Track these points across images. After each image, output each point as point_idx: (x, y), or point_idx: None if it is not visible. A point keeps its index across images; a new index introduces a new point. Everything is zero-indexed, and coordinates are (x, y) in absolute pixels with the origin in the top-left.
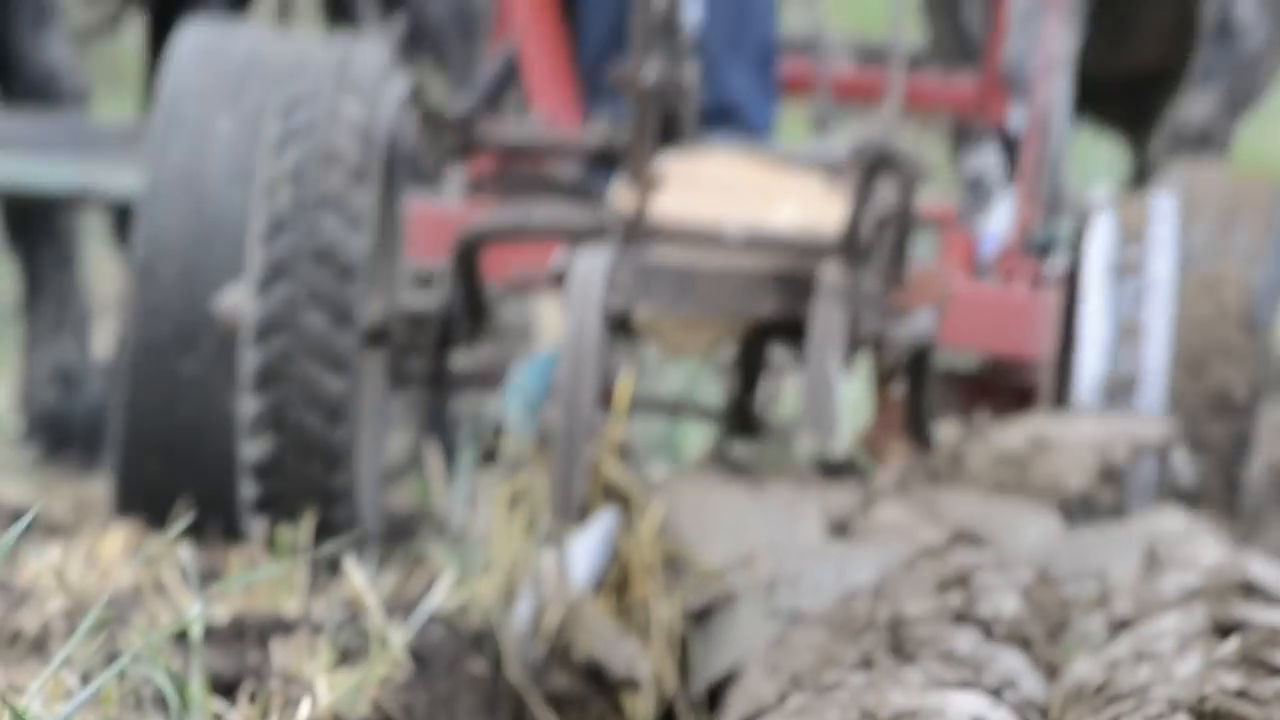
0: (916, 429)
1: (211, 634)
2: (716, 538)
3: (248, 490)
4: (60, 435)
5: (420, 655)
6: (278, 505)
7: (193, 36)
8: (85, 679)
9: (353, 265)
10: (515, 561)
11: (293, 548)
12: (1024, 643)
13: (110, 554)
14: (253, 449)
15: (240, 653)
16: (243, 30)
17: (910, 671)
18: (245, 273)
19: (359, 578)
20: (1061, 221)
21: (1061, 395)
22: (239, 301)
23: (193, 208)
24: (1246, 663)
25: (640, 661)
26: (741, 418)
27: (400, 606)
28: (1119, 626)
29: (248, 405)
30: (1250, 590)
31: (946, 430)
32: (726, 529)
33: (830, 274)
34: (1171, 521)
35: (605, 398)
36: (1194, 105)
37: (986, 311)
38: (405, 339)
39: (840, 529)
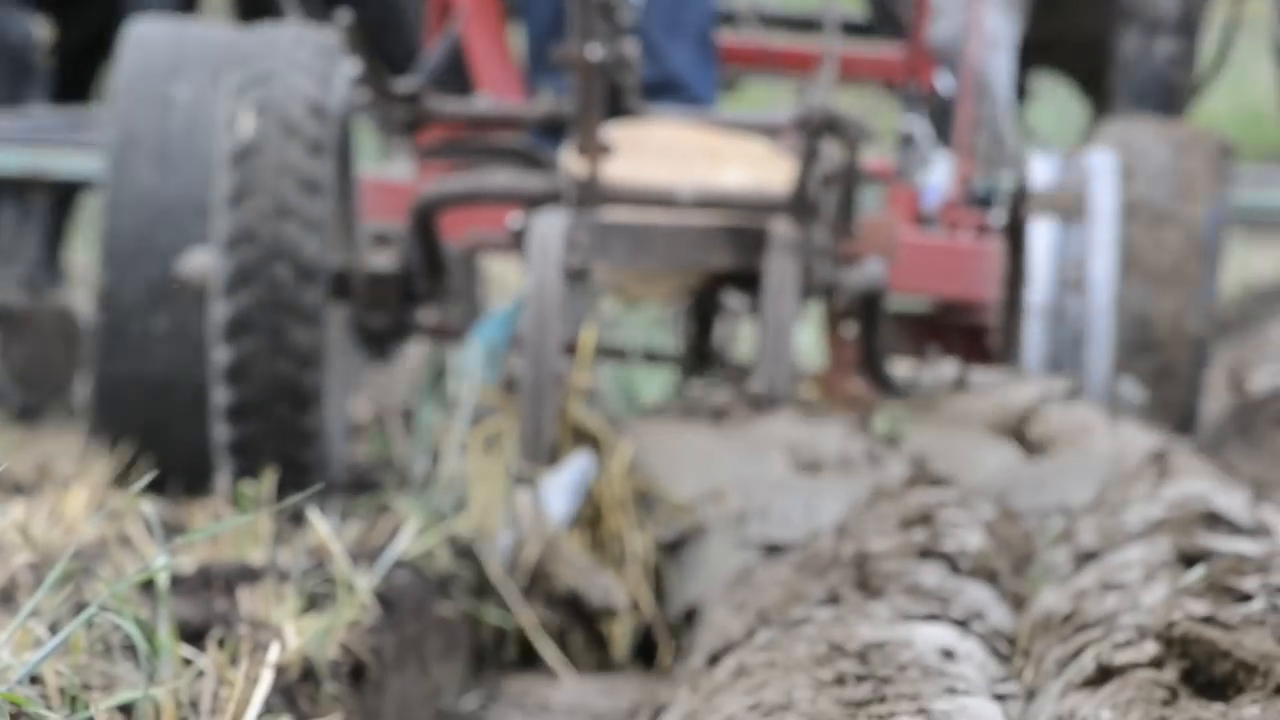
0: (871, 368)
1: (178, 583)
2: (685, 474)
3: (221, 434)
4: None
5: (387, 600)
6: (250, 449)
7: (149, 26)
8: (53, 629)
9: (314, 223)
10: (490, 502)
11: (256, 500)
12: (990, 576)
13: (74, 509)
14: (225, 395)
15: (207, 601)
16: (199, 23)
17: (877, 605)
18: (211, 236)
19: (324, 526)
20: (1004, 176)
21: (1011, 335)
22: (204, 263)
23: (154, 173)
24: (1213, 589)
25: (616, 591)
26: (699, 358)
27: (365, 554)
28: (1084, 558)
29: (220, 355)
30: (1214, 520)
31: (898, 369)
32: (695, 465)
33: (781, 228)
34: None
35: (569, 348)
36: (1155, 55)
37: (934, 258)
38: (368, 294)
39: (807, 465)
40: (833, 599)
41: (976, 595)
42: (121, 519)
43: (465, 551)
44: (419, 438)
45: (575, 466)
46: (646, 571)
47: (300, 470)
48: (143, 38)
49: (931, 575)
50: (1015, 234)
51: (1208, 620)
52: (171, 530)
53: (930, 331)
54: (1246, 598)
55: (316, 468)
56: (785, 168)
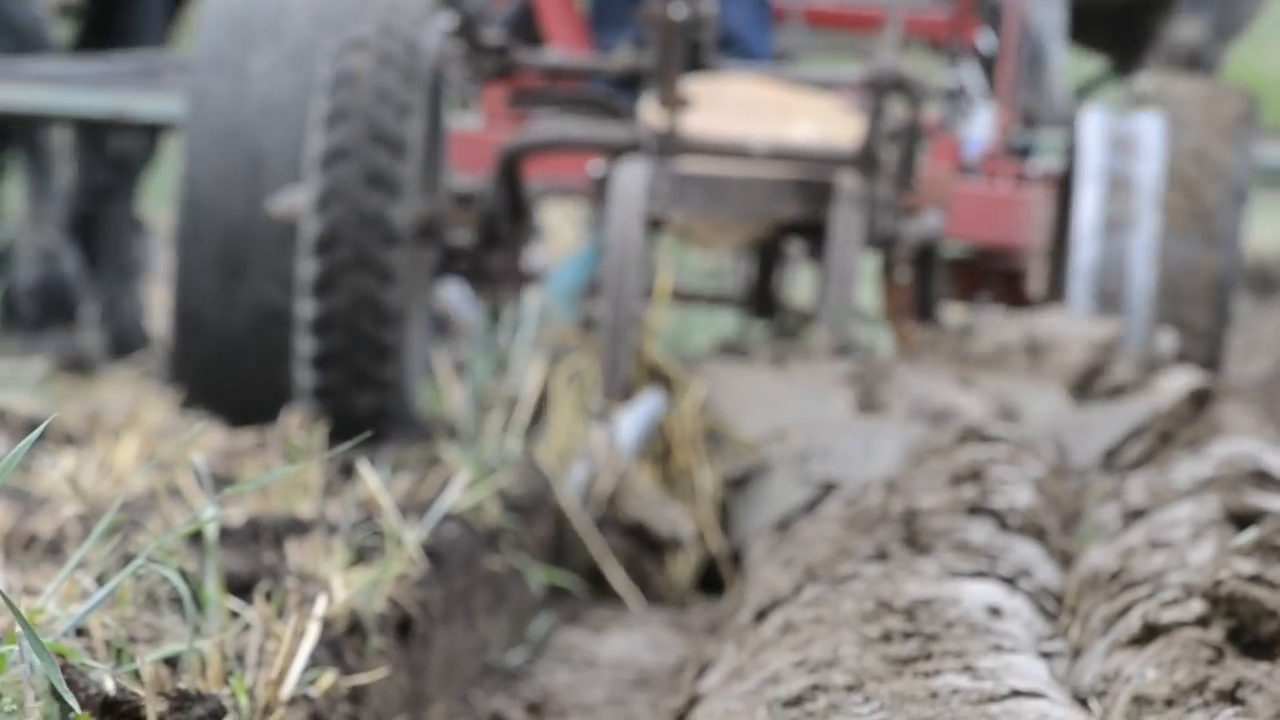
0: (925, 312)
1: (226, 535)
2: (752, 414)
3: (306, 347)
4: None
5: (435, 553)
6: (338, 361)
7: None
8: (100, 581)
9: (403, 146)
10: (568, 435)
11: (307, 450)
12: (1038, 533)
13: (124, 461)
14: (311, 307)
15: (255, 553)
16: None
17: (925, 562)
18: (303, 168)
19: (373, 479)
20: (1048, 132)
21: (1056, 281)
22: (295, 199)
23: (230, 136)
24: (1261, 549)
25: (683, 523)
26: (763, 302)
27: (414, 507)
28: (1133, 516)
29: (307, 268)
30: (1263, 479)
31: (948, 313)
32: (761, 406)
33: (848, 182)
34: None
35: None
36: (1185, 28)
37: (975, 206)
38: (452, 232)
39: (867, 405)
40: (881, 555)
41: (1024, 553)
42: (172, 470)
43: (515, 506)
44: (470, 390)
45: (648, 404)
46: (714, 506)
47: (378, 417)
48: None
49: (980, 532)
50: (1065, 186)
51: (1255, 579)
52: (221, 481)
53: (971, 276)
54: None
55: (396, 415)
56: (852, 124)
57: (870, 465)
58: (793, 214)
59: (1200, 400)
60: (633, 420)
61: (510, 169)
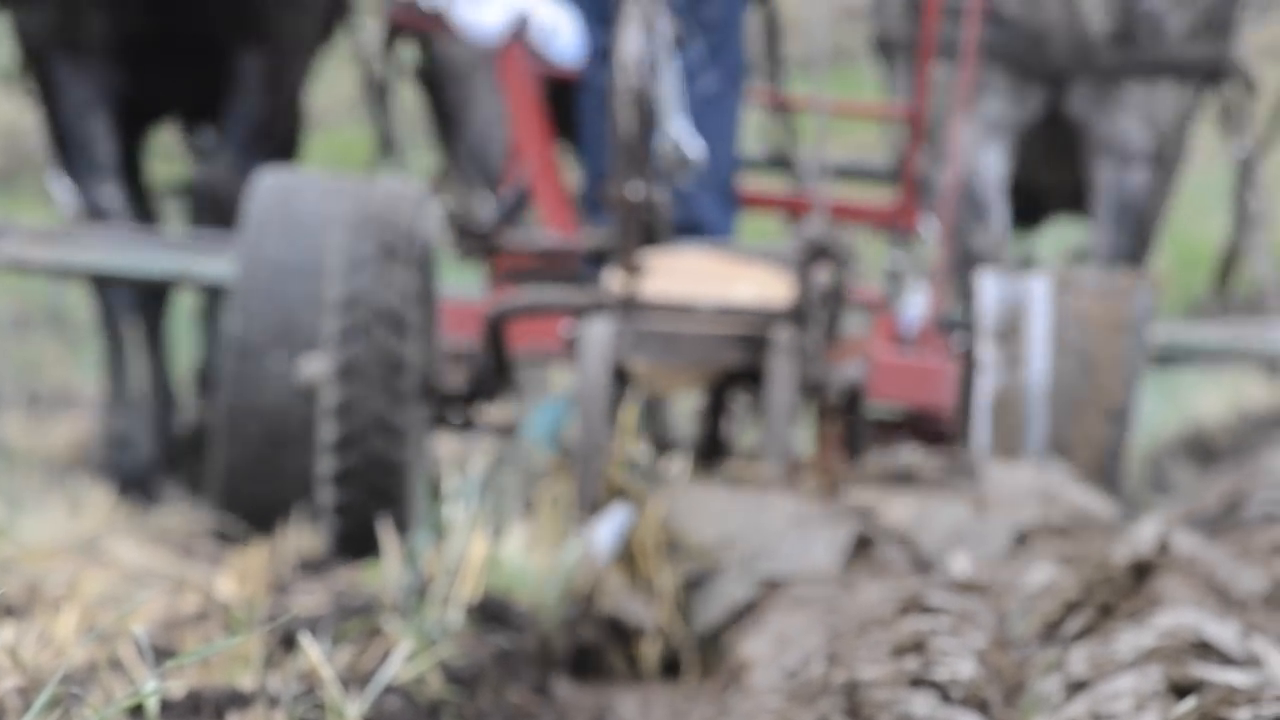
0: (853, 452)
1: (168, 708)
2: (705, 525)
3: (325, 497)
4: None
5: None
6: (350, 509)
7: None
8: None
9: (406, 327)
10: (553, 543)
11: (248, 621)
12: (981, 705)
13: (64, 632)
14: (330, 464)
15: None
16: (310, 174)
17: None
18: (322, 343)
19: (315, 651)
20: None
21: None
22: (316, 367)
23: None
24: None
25: (647, 615)
26: (713, 446)
27: (356, 679)
28: (1076, 687)
29: (327, 431)
30: (1206, 650)
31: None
32: (712, 518)
33: (783, 335)
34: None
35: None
36: (1100, 246)
37: (908, 375)
38: (445, 393)
39: (799, 519)
40: None
41: None
42: (112, 641)
43: (457, 678)
44: (411, 562)
45: (618, 517)
46: (675, 603)
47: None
48: (272, 184)
49: (923, 705)
50: (968, 357)
51: None
52: (162, 653)
53: (902, 434)
54: None
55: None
56: (786, 286)
57: (806, 561)
58: (735, 362)
59: (1141, 571)
60: (605, 531)
61: (495, 331)
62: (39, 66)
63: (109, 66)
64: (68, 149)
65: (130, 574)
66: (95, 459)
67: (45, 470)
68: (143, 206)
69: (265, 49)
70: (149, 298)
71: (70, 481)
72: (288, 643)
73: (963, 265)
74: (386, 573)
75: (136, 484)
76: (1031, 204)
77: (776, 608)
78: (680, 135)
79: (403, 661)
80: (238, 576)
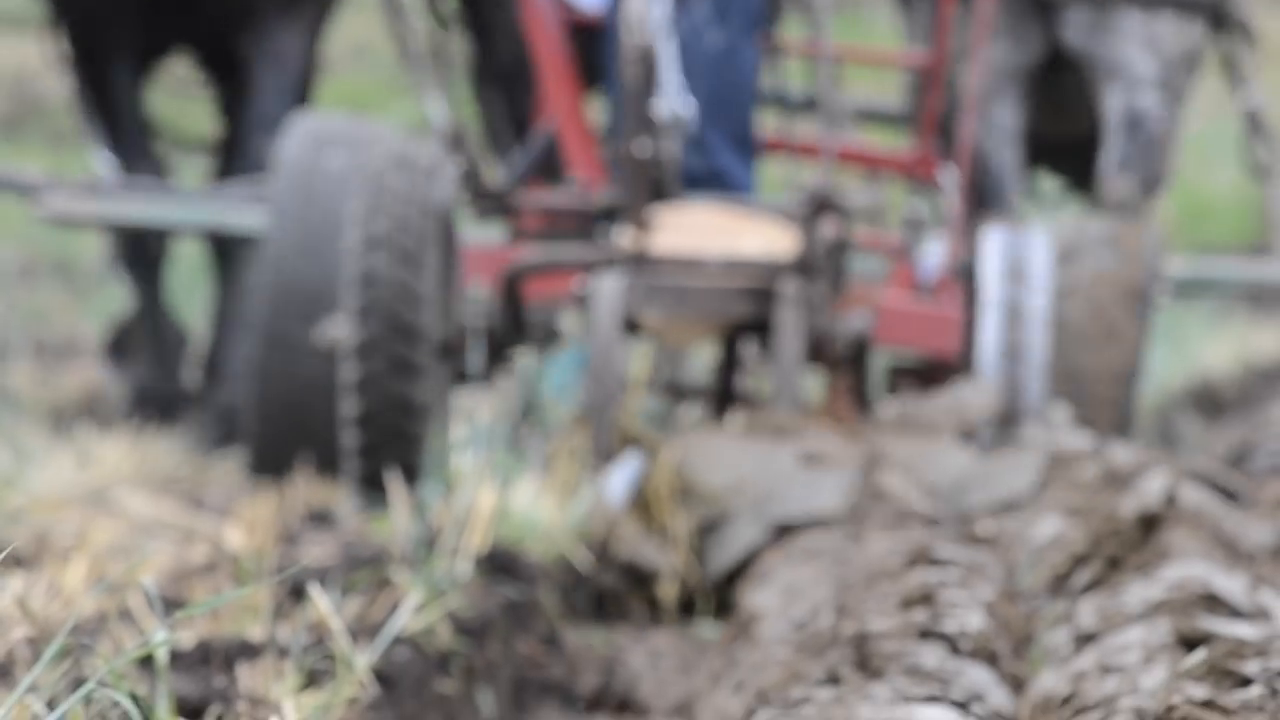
0: (861, 401)
1: (177, 659)
2: (716, 471)
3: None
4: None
5: (386, 677)
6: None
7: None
8: (51, 705)
9: (423, 267)
10: (566, 491)
11: (258, 571)
12: (990, 657)
13: (73, 583)
14: (352, 407)
15: (206, 677)
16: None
17: (877, 686)
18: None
19: (324, 602)
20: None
21: (969, 363)
22: (337, 328)
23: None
24: (1213, 673)
25: (663, 559)
26: (725, 395)
27: (365, 630)
28: (1084, 640)
29: (349, 371)
30: (1214, 603)
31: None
32: (724, 465)
33: (788, 287)
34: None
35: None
36: (1115, 187)
37: (921, 322)
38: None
39: (808, 459)
40: (833, 679)
41: (976, 677)
42: (122, 592)
43: (466, 628)
44: (420, 513)
45: (631, 465)
46: (689, 546)
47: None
48: (303, 126)
49: (932, 656)
50: (970, 295)
51: (1207, 704)
52: (171, 604)
53: (920, 380)
54: (1246, 682)
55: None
56: (791, 239)
57: (814, 504)
58: (743, 314)
59: (1149, 524)
60: (619, 478)
61: (511, 287)
62: (69, 32)
63: (131, 20)
64: (99, 115)
65: (139, 525)
66: (113, 385)
67: (53, 420)
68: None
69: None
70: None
71: (78, 431)
72: (297, 593)
73: (978, 215)
74: (396, 524)
75: (153, 402)
76: (1031, 148)
77: (785, 559)
78: (673, 94)
79: (411, 612)
80: (246, 527)
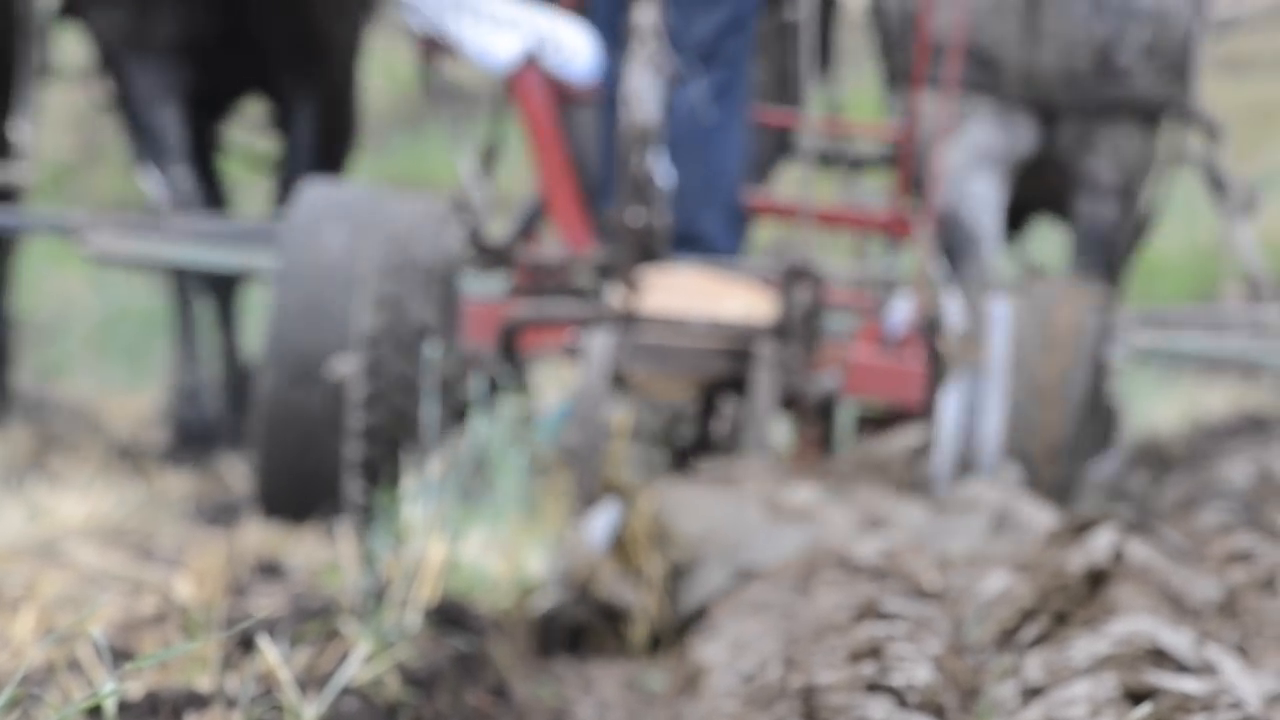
0: (826, 447)
1: (125, 710)
2: (692, 519)
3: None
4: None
5: None
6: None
7: (315, 188)
8: None
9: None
10: (555, 531)
11: (206, 624)
12: (938, 710)
13: (22, 634)
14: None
15: None
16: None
17: None
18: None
19: (273, 653)
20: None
21: (929, 412)
22: (345, 367)
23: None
24: None
25: (636, 599)
26: (702, 445)
27: (314, 681)
28: (1031, 693)
29: (355, 420)
30: (1160, 657)
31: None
32: (698, 513)
33: (765, 349)
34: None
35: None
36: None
37: (885, 375)
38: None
39: (773, 511)
40: None
41: None
42: (71, 643)
43: (415, 679)
44: (370, 564)
45: (611, 511)
46: (661, 589)
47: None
48: (308, 194)
49: (879, 709)
50: (933, 350)
51: None
52: (120, 655)
53: (884, 429)
54: None
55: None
56: (769, 302)
57: (776, 553)
58: (722, 372)
59: (1097, 580)
60: (600, 523)
61: (509, 339)
62: (113, 65)
63: (177, 63)
64: (143, 139)
65: (88, 576)
66: (163, 412)
67: (4, 471)
68: (214, 192)
69: (322, 60)
70: (220, 279)
71: (29, 483)
72: (246, 644)
73: (952, 280)
74: (345, 575)
75: (198, 438)
76: (1015, 212)
77: (733, 612)
78: (664, 168)
79: (360, 663)
80: (196, 578)
